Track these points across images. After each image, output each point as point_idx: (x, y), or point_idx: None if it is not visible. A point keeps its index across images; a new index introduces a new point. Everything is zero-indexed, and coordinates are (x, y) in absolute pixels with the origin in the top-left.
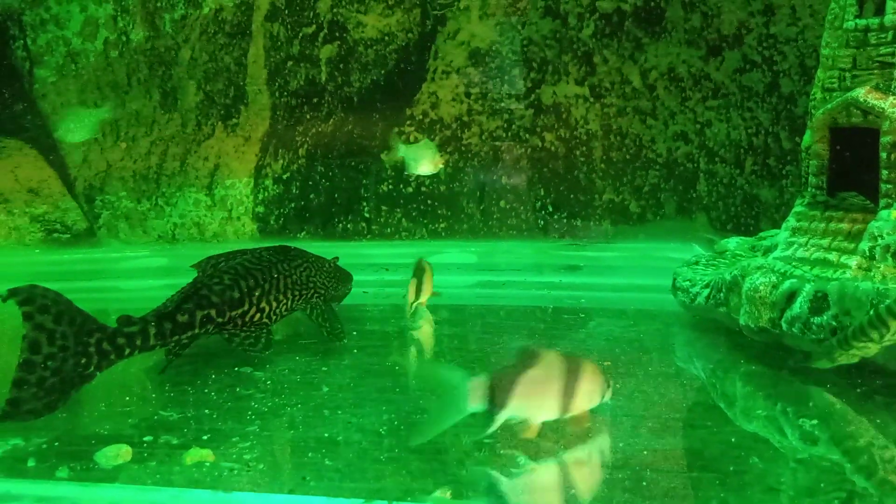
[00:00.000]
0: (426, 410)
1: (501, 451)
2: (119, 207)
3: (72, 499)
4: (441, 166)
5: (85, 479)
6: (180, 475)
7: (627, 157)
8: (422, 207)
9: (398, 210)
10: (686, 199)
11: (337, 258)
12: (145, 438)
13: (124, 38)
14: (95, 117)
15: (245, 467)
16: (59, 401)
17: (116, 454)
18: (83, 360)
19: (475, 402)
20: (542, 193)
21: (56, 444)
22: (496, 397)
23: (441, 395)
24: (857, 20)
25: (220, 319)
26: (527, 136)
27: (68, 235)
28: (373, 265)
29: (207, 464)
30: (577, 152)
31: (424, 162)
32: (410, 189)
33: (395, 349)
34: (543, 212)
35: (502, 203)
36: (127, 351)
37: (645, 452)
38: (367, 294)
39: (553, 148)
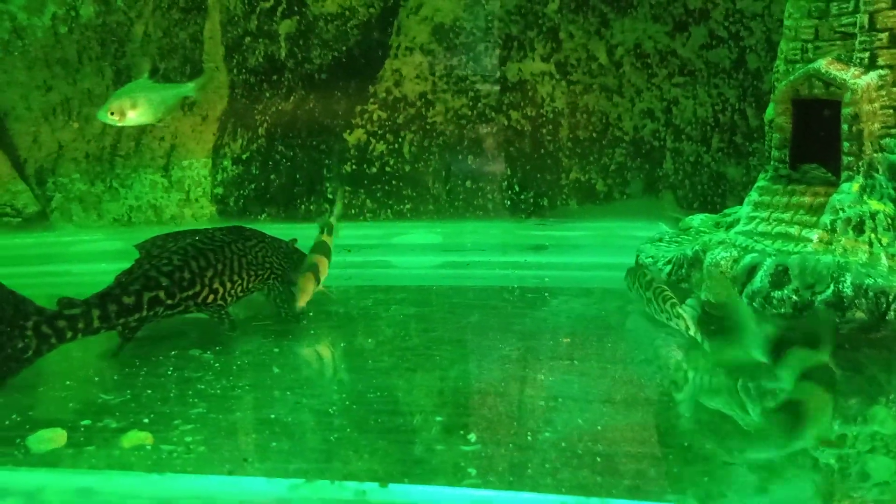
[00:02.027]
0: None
1: (454, 430)
2: (72, 190)
3: None
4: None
5: (13, 465)
6: (116, 459)
7: (594, 135)
8: (386, 188)
9: (362, 190)
10: (653, 177)
11: (295, 239)
12: (83, 422)
13: (73, 14)
14: None
15: (185, 450)
16: None
17: (49, 438)
18: (20, 345)
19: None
20: (509, 173)
21: None
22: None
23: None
24: None
25: (169, 301)
26: (493, 114)
27: (19, 219)
28: (335, 246)
29: (147, 447)
30: (544, 130)
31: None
32: (374, 169)
33: (354, 330)
34: (510, 191)
35: (468, 183)
36: (69, 335)
37: (608, 430)
38: (328, 276)
39: (519, 126)
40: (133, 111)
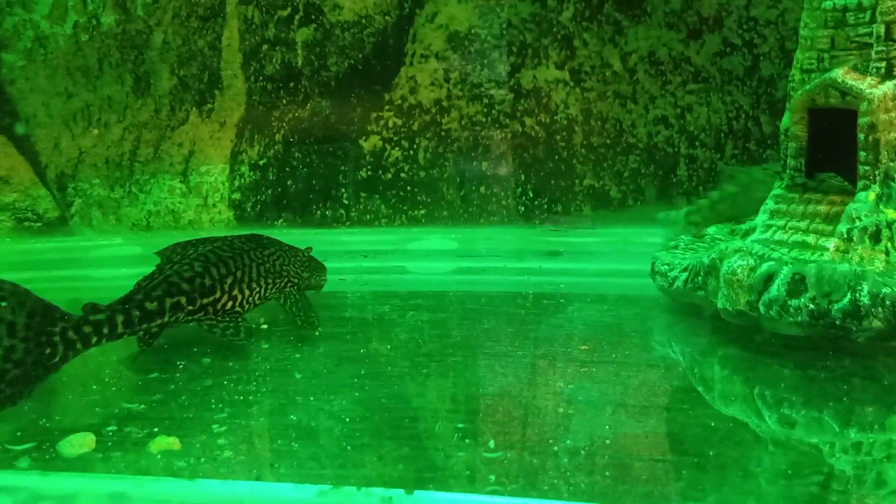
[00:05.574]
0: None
1: (472, 436)
2: (92, 195)
3: (32, 488)
4: None
5: (46, 469)
6: (145, 464)
7: (608, 141)
8: (401, 194)
9: (377, 196)
10: (666, 184)
11: (310, 248)
12: (109, 428)
13: (94, 22)
14: None
15: (213, 455)
16: (23, 393)
17: (79, 443)
18: (48, 351)
19: None
20: (523, 179)
21: (19, 433)
22: None
23: None
24: (835, 0)
25: (190, 307)
26: (507, 121)
27: (40, 224)
28: (351, 252)
29: (174, 452)
30: (558, 137)
31: None
32: (390, 175)
33: (371, 336)
34: (524, 197)
35: (482, 189)
36: (94, 340)
37: (625, 437)
38: (344, 281)
39: (533, 133)
40: None
